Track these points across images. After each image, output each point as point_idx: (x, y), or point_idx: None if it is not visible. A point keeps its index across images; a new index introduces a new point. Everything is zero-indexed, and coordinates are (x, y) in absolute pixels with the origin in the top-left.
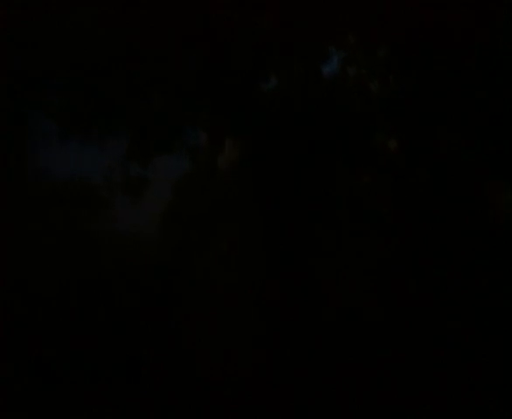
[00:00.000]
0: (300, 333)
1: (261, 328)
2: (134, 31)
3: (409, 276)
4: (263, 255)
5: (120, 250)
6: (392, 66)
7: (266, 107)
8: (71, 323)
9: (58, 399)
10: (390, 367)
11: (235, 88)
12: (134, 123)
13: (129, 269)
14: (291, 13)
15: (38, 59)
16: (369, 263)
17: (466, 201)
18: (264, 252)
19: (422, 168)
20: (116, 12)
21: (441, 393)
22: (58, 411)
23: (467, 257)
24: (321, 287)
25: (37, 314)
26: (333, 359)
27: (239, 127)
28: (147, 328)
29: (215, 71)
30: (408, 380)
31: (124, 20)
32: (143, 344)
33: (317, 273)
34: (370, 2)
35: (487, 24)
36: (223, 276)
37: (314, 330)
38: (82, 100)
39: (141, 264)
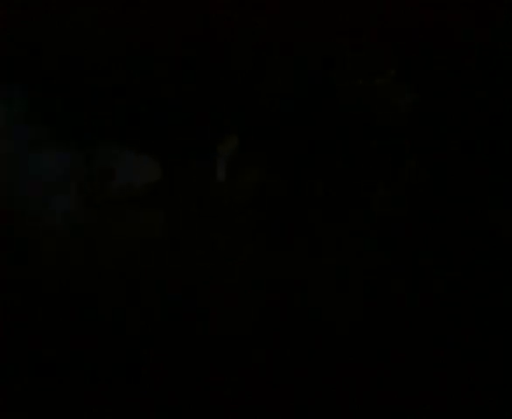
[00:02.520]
0: (300, 334)
1: (262, 328)
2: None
3: (409, 276)
4: (263, 253)
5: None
6: (392, 66)
7: (267, 109)
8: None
9: (59, 399)
10: (390, 368)
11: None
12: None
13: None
14: (291, 13)
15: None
16: (369, 263)
17: (465, 200)
18: (264, 250)
19: (421, 167)
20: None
21: (441, 393)
22: (58, 411)
23: (468, 258)
24: (324, 288)
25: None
26: (332, 359)
27: (241, 128)
28: (151, 328)
29: (214, 71)
30: (408, 380)
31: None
32: (146, 344)
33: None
34: (370, 2)
35: (487, 24)
36: (224, 274)
37: (314, 330)
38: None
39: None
